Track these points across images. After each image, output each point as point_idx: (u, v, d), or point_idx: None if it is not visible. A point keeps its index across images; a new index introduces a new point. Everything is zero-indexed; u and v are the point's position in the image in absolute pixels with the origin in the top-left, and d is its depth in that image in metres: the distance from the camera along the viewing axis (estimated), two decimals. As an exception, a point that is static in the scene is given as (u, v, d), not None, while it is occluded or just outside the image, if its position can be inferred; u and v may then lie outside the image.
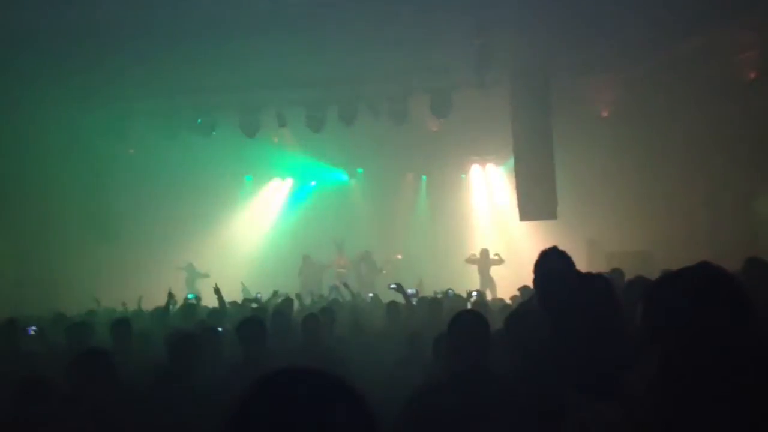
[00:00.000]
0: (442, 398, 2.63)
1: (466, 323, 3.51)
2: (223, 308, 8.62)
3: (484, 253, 16.12)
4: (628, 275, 6.13)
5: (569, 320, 2.84)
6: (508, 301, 9.27)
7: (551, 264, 3.80)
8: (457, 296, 9.82)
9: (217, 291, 8.75)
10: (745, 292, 1.86)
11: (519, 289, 8.86)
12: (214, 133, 14.77)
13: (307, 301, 10.98)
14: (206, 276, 15.92)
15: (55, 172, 14.77)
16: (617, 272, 6.79)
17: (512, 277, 12.26)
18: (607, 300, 2.80)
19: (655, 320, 1.92)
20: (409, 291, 9.16)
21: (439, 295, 9.53)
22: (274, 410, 1.20)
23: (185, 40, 10.48)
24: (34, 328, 7.02)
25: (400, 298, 8.67)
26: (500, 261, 15.79)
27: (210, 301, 10.34)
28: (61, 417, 3.86)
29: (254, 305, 9.49)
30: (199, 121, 14.65)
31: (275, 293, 10.79)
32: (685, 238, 12.30)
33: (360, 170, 19.01)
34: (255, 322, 5.46)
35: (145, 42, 10.53)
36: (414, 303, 8.69)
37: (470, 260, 16.21)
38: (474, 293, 10.04)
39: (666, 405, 1.71)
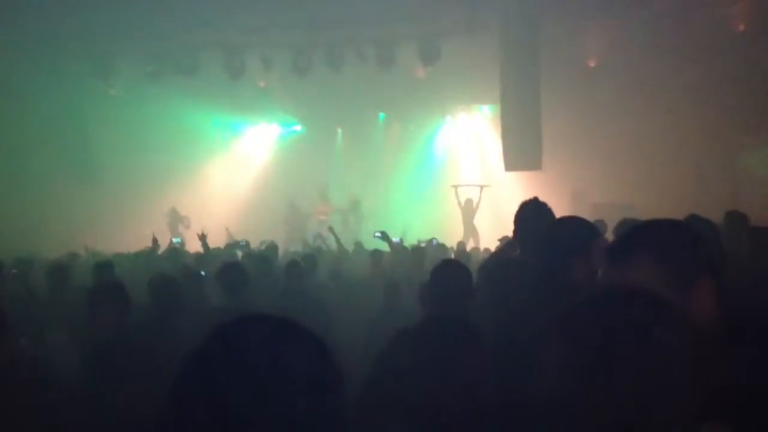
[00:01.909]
0: (416, 344, 2.65)
1: (448, 272, 3.53)
2: (207, 253, 8.63)
3: (468, 202, 16.14)
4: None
5: (548, 266, 2.85)
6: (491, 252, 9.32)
7: (531, 214, 3.81)
8: (441, 245, 9.86)
9: (202, 237, 8.76)
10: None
11: (500, 240, 8.90)
12: (196, 74, 14.54)
13: (292, 248, 11.02)
14: (188, 221, 15.91)
15: (37, 115, 14.56)
16: (600, 223, 6.82)
17: (496, 228, 12.31)
18: (587, 242, 2.79)
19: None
20: (395, 240, 9.18)
21: (423, 244, 9.57)
22: (230, 356, 1.19)
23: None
24: (14, 270, 7.00)
25: (385, 247, 8.69)
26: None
27: (194, 246, 10.34)
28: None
29: (238, 251, 9.50)
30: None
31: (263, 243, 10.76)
32: (672, 190, 12.38)
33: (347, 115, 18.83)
34: (236, 268, 5.49)
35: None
36: (398, 251, 8.72)
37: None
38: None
39: None
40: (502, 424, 2.53)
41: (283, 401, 1.16)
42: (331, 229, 10.66)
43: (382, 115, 18.64)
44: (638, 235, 1.94)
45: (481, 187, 16.06)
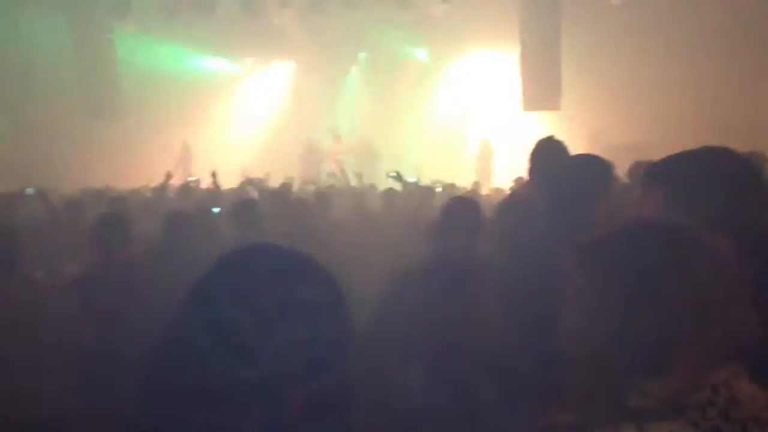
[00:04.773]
0: (424, 279, 2.64)
1: (458, 209, 3.51)
2: (218, 191, 8.62)
3: (484, 143, 15.98)
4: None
5: (563, 203, 2.80)
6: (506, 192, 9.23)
7: (546, 153, 3.75)
8: (450, 185, 9.69)
9: (213, 175, 8.75)
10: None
11: (515, 180, 8.83)
12: (212, 12, 14.34)
13: (306, 185, 10.99)
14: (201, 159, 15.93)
15: (56, 54, 14.51)
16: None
17: (512, 169, 12.21)
18: (603, 179, 2.74)
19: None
20: (410, 180, 9.09)
21: (438, 188, 9.47)
22: (230, 282, 1.19)
23: None
24: (30, 189, 7.02)
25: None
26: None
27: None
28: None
29: (252, 189, 9.49)
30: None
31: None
32: (690, 131, 12.17)
33: (362, 55, 18.56)
34: (249, 204, 5.48)
35: None
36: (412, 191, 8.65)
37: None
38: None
39: None
40: (510, 359, 2.53)
41: (284, 325, 1.15)
42: (343, 169, 10.61)
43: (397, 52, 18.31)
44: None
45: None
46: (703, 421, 1.25)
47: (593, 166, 2.87)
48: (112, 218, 4.41)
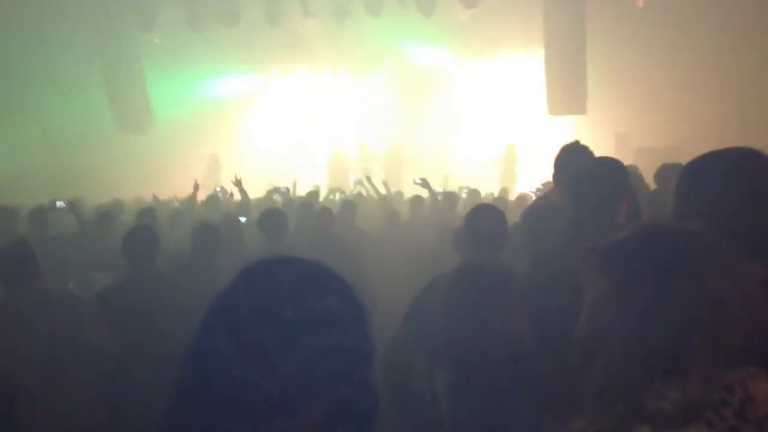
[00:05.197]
0: (450, 289, 2.64)
1: (482, 216, 3.50)
2: (246, 200, 8.67)
3: (510, 148, 15.90)
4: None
5: (587, 209, 2.79)
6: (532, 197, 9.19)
7: (570, 158, 3.73)
8: (474, 191, 9.66)
9: (238, 183, 8.78)
10: None
11: (542, 185, 8.78)
12: (237, 23, 14.52)
13: (332, 194, 11.04)
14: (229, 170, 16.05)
15: (85, 65, 14.75)
16: (631, 167, 6.68)
17: (538, 173, 12.15)
18: (626, 184, 2.73)
19: (690, 203, 1.87)
20: (438, 190, 9.08)
21: (464, 194, 9.45)
22: (254, 294, 1.21)
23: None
24: (61, 202, 7.11)
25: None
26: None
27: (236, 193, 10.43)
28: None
29: (278, 197, 9.56)
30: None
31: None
32: (717, 133, 12.02)
33: (387, 61, 18.57)
34: (276, 214, 5.53)
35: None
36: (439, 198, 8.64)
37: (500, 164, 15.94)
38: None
39: None
40: (535, 369, 2.53)
41: (306, 340, 1.17)
42: (369, 177, 10.63)
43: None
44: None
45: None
46: (720, 421, 1.25)
47: (615, 170, 2.86)
48: (142, 231, 4.48)
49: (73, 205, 7.04)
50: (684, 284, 1.28)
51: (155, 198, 10.60)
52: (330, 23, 14.44)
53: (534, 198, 8.50)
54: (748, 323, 1.27)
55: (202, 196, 9.37)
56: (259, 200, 9.50)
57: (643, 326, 1.28)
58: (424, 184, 8.66)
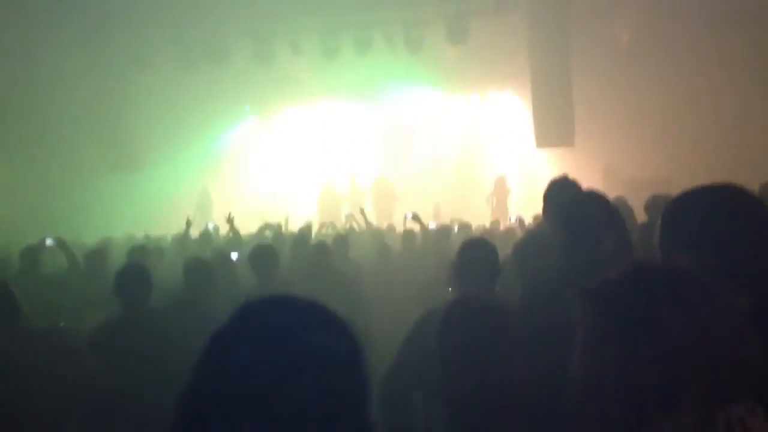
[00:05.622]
0: (444, 325, 2.66)
1: (474, 251, 3.52)
2: (237, 237, 8.68)
3: (500, 181, 15.97)
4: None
5: (576, 243, 2.82)
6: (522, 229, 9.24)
7: (559, 192, 3.78)
8: (465, 225, 9.69)
9: (230, 220, 8.80)
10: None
11: (534, 218, 8.85)
12: (227, 62, 14.72)
13: (324, 229, 11.05)
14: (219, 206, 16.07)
15: (76, 106, 14.81)
16: (619, 199, 6.76)
17: (528, 206, 12.22)
18: (611, 219, 2.77)
19: (674, 238, 1.90)
20: (430, 225, 9.13)
21: (455, 228, 9.49)
22: (250, 336, 1.21)
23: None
24: (50, 240, 7.03)
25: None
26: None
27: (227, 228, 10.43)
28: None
29: (269, 233, 9.56)
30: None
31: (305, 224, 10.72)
32: (708, 165, 12.14)
33: (375, 97, 18.73)
34: (267, 249, 5.53)
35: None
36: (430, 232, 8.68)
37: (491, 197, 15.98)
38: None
39: None
40: (531, 403, 2.53)
41: (303, 380, 1.17)
42: (362, 210, 10.66)
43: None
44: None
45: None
46: None
47: (602, 204, 2.90)
48: (134, 268, 4.48)
49: (62, 243, 7.00)
50: (672, 322, 1.31)
51: (146, 235, 10.59)
52: (319, 61, 14.62)
53: (520, 230, 8.58)
54: (738, 358, 1.29)
55: (193, 231, 9.37)
56: (251, 236, 9.51)
57: (635, 365, 1.30)
58: (416, 218, 8.71)
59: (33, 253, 6.64)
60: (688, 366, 1.28)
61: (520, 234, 8.28)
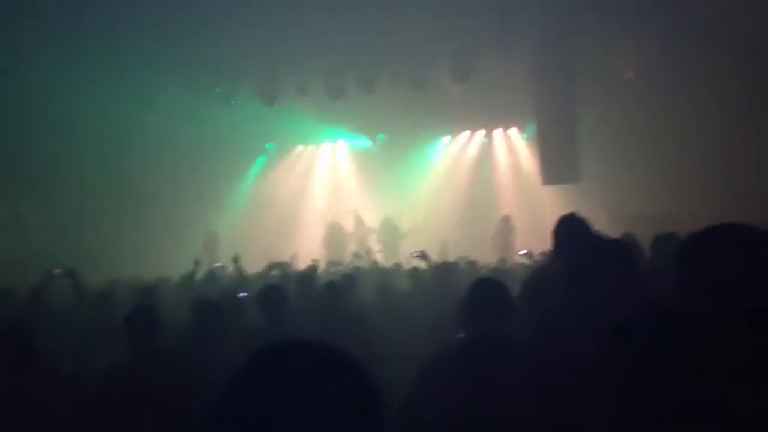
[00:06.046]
0: (453, 366, 2.64)
1: (483, 290, 3.50)
2: (242, 276, 8.68)
3: (505, 219, 15.98)
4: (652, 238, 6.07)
5: (586, 283, 2.83)
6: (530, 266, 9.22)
7: (569, 230, 3.80)
8: (471, 263, 9.68)
9: (236, 260, 8.80)
10: None
11: (541, 254, 8.84)
12: (232, 102, 14.92)
13: (331, 268, 11.04)
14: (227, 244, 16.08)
15: (81, 142, 14.92)
16: (628, 235, 6.78)
17: (535, 243, 12.21)
18: (624, 261, 2.77)
19: (687, 279, 1.91)
20: (436, 261, 9.10)
21: (462, 265, 9.47)
22: (265, 383, 1.21)
23: (204, 8, 10.50)
24: (58, 270, 6.94)
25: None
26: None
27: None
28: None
29: (276, 272, 9.56)
30: (217, 90, 14.82)
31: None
32: (711, 200, 12.14)
33: (381, 136, 18.88)
34: (275, 290, 5.52)
35: (163, 10, 10.58)
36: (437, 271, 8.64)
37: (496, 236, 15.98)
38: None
39: None
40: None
41: (319, 425, 1.17)
42: (369, 249, 10.67)
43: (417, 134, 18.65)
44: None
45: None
46: None
47: (615, 247, 2.92)
48: (143, 311, 4.47)
49: (70, 272, 6.94)
50: (689, 360, 1.32)
51: (156, 276, 10.58)
52: (324, 100, 14.79)
53: (527, 266, 8.58)
54: (753, 395, 1.30)
55: (199, 271, 9.38)
56: (258, 275, 9.50)
57: (653, 401, 1.32)
58: (422, 256, 8.70)
59: (39, 294, 6.61)
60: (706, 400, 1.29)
61: (526, 270, 8.28)
